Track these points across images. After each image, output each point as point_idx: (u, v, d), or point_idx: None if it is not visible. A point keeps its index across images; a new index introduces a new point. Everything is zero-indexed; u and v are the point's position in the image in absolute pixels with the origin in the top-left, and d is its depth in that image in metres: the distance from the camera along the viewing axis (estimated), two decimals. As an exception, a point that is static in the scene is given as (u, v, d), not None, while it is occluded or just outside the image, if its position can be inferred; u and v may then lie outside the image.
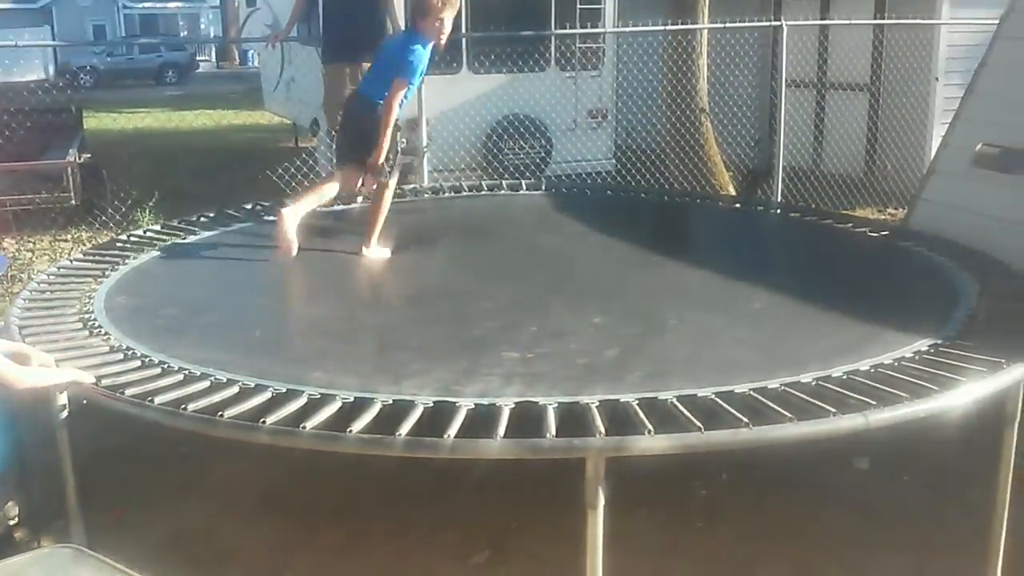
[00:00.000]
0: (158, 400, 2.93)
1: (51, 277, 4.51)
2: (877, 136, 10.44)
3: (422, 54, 4.77)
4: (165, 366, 3.23)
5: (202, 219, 5.71)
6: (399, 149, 8.51)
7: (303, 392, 2.94)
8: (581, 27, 9.17)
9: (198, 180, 10.51)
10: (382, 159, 4.95)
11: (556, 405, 2.78)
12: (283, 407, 2.84)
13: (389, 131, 4.85)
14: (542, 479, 3.26)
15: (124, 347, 3.46)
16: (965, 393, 2.94)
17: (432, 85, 7.98)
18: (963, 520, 3.76)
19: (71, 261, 4.90)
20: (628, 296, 4.22)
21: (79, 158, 8.98)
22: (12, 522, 2.98)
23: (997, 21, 6.77)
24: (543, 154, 9.91)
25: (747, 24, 8.73)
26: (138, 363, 3.29)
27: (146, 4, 45.04)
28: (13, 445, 2.93)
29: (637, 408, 2.75)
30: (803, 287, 4.15)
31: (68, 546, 2.03)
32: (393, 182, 5.13)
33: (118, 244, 5.19)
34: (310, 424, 2.72)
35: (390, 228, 5.94)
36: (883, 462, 4.26)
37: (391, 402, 2.85)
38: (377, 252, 4.96)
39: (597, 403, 2.79)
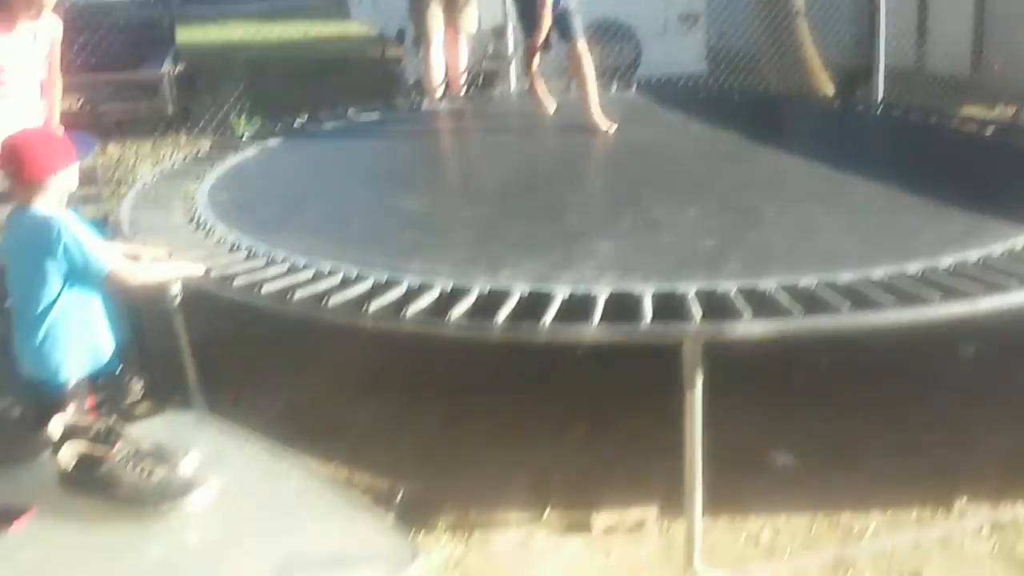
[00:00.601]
0: (266, 289, 3.03)
1: (155, 177, 4.66)
2: (984, 31, 9.91)
3: None
4: (270, 257, 3.33)
5: (294, 123, 5.80)
6: (487, 55, 8.52)
7: (403, 280, 3.00)
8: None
9: (287, 89, 10.58)
10: (541, 39, 5.31)
11: (652, 293, 2.78)
12: (384, 295, 2.91)
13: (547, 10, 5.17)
14: (642, 364, 3.26)
15: (230, 240, 3.57)
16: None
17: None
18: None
19: (172, 164, 5.04)
20: (724, 189, 4.16)
21: (174, 69, 9.15)
22: (138, 397, 3.16)
23: None
24: (633, 58, 9.69)
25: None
26: (244, 254, 3.40)
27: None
28: (133, 331, 3.08)
29: (735, 296, 2.74)
30: (906, 181, 4.01)
31: (191, 412, 2.13)
32: (583, 49, 5.37)
33: (214, 147, 5.31)
34: (411, 311, 2.79)
35: (479, 128, 5.98)
36: (991, 348, 4.13)
37: (488, 291, 2.89)
38: (604, 122, 5.20)
39: (694, 292, 2.78)
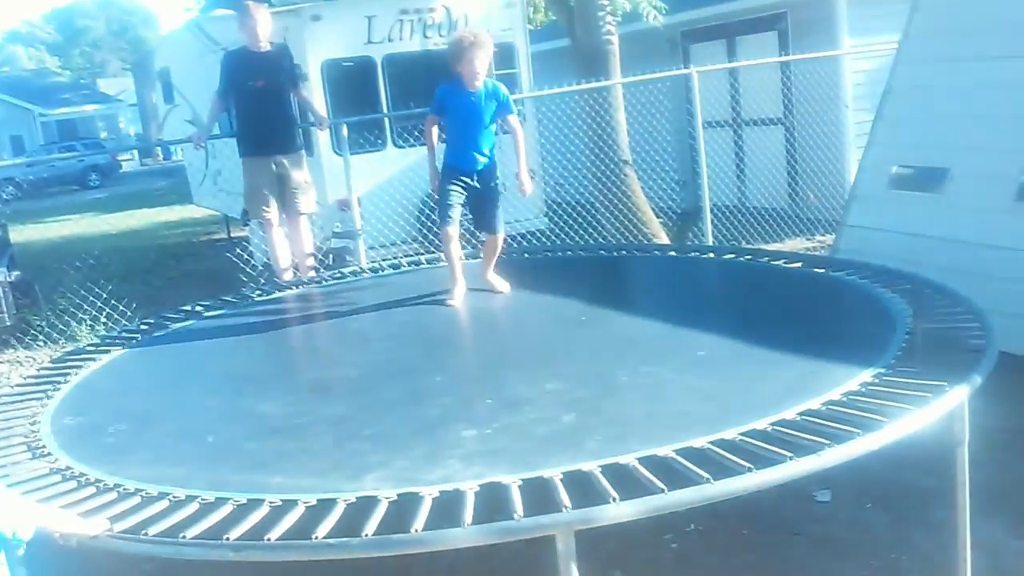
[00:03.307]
0: (117, 527, 2.87)
1: (-8, 406, 4.41)
2: (796, 167, 10.76)
3: (493, 91, 5.23)
4: (121, 489, 3.17)
5: (141, 326, 5.66)
6: (333, 232, 8.62)
7: (264, 500, 2.91)
8: (499, 93, 9.30)
9: (133, 282, 10.39)
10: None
11: (520, 483, 2.79)
12: (245, 519, 2.80)
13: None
14: (516, 553, 3.25)
15: (78, 471, 3.39)
16: (913, 421, 3.01)
17: (359, 164, 8.06)
18: (928, 540, 3.84)
19: (12, 387, 4.80)
20: (577, 356, 4.26)
21: (9, 276, 8.82)
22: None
23: (895, 47, 7.08)
24: (475, 218, 9.97)
25: (659, 75, 8.98)
26: (93, 489, 3.23)
27: (63, 110, 44.67)
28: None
29: (600, 476, 2.78)
30: (745, 328, 4.23)
31: None
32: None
33: (56, 363, 5.10)
34: (274, 534, 2.69)
35: (332, 311, 5.97)
36: (845, 492, 4.33)
37: (355, 499, 2.84)
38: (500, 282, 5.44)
39: (560, 475, 2.81)
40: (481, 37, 5.09)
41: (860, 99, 10.13)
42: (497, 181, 5.45)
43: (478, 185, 5.29)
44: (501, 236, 5.51)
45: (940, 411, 3.10)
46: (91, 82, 58.89)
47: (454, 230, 5.33)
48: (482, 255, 5.64)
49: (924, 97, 6.68)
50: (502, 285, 5.43)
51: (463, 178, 5.26)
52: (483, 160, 5.29)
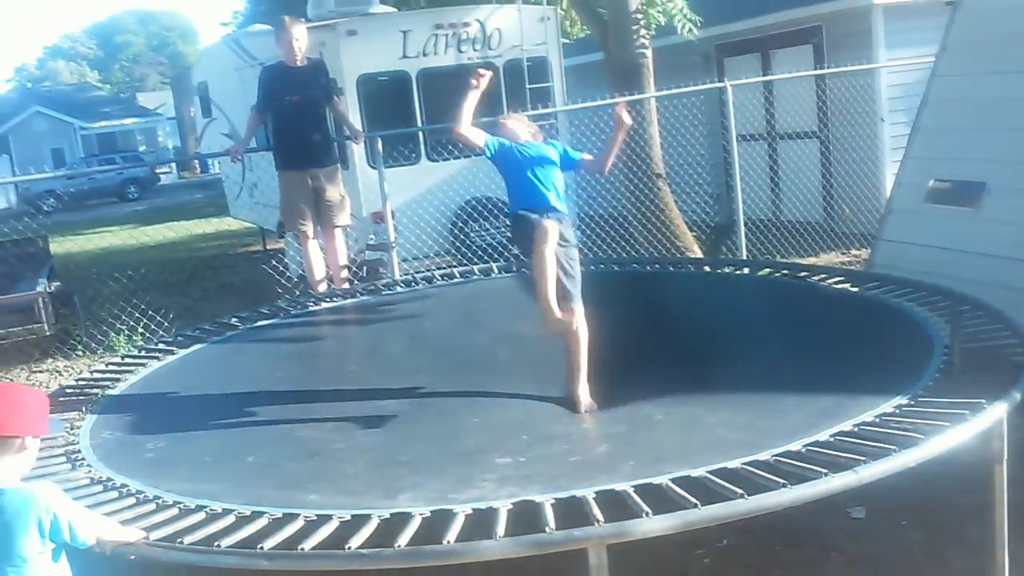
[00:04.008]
0: (155, 535, 2.92)
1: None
2: (831, 180, 10.68)
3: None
4: (159, 501, 3.22)
5: (179, 337, 5.74)
6: (368, 244, 8.68)
7: (299, 515, 2.94)
8: (532, 107, 9.36)
9: (170, 295, 10.52)
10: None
11: (553, 501, 2.80)
12: (280, 530, 2.84)
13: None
14: (544, 569, 3.25)
15: (118, 483, 3.45)
16: (951, 438, 2.99)
17: (393, 178, 8.12)
18: (965, 559, 3.79)
19: (50, 397, 4.87)
20: (610, 385, 4.18)
21: (49, 287, 8.96)
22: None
23: (932, 59, 7.02)
24: (509, 234, 10.00)
25: (693, 88, 8.96)
26: (132, 500, 3.28)
27: (103, 123, 45.38)
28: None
29: (633, 494, 2.78)
30: (781, 350, 4.21)
31: None
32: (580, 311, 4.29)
33: (95, 374, 5.18)
34: (308, 545, 2.72)
35: (367, 329, 5.99)
36: (880, 509, 4.28)
37: (388, 515, 2.86)
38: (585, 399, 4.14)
39: (593, 494, 2.82)
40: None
41: (896, 112, 10.05)
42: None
43: None
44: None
45: (978, 428, 3.07)
46: (131, 96, 59.76)
47: None
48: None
49: (961, 110, 6.62)
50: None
51: None
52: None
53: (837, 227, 10.02)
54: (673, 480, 2.86)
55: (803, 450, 3.00)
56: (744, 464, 2.93)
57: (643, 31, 9.29)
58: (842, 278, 5.66)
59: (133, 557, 2.85)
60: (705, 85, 9.60)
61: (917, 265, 5.99)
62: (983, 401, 3.18)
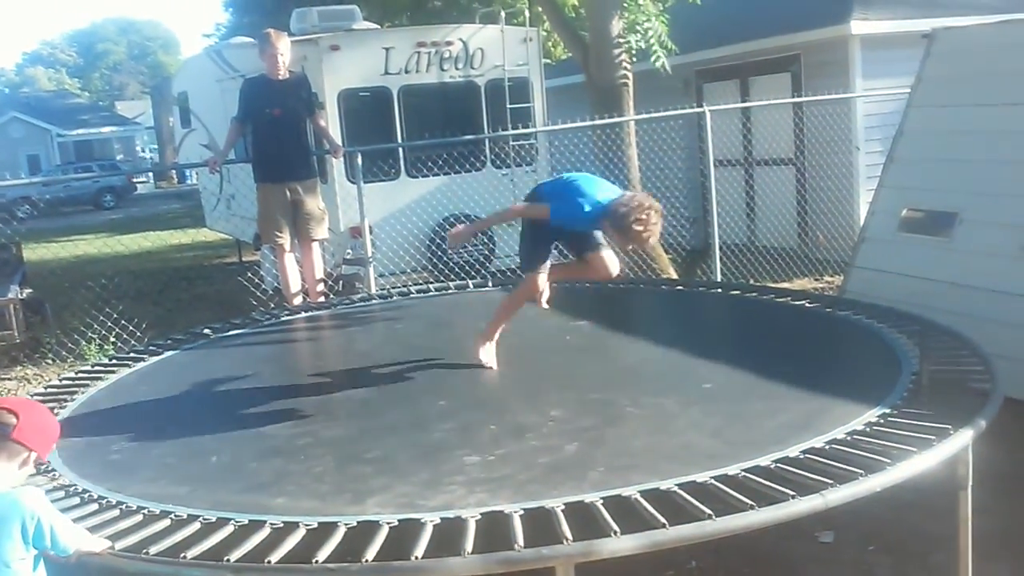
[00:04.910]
0: (118, 544, 2.88)
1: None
2: (807, 207, 10.79)
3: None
4: (123, 506, 3.19)
5: (150, 347, 5.70)
6: (344, 259, 8.67)
7: (266, 522, 2.92)
8: (512, 127, 9.42)
9: (144, 303, 10.44)
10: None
11: (521, 512, 2.80)
12: (247, 540, 2.81)
13: None
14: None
15: (81, 488, 3.41)
16: (917, 463, 3.01)
17: (372, 193, 8.12)
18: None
19: (18, 403, 4.82)
20: (582, 386, 4.27)
21: (21, 294, 8.88)
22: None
23: (908, 90, 7.13)
24: (486, 251, 10.04)
25: (672, 113, 9.04)
26: (95, 506, 3.24)
27: (80, 131, 45.10)
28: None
29: (601, 508, 2.78)
30: (752, 364, 4.24)
31: None
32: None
33: (64, 380, 5.13)
34: (275, 557, 2.70)
35: (339, 337, 5.98)
36: (848, 533, 4.31)
37: (355, 524, 2.85)
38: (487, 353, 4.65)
39: (562, 506, 2.82)
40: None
41: (871, 141, 10.18)
42: None
43: None
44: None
45: (944, 454, 3.10)
46: (109, 104, 59.56)
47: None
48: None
49: (935, 141, 6.72)
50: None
51: None
52: None
53: (811, 253, 10.11)
54: (642, 493, 2.86)
55: (772, 466, 3.02)
56: (712, 479, 2.94)
57: (624, 56, 9.38)
58: (813, 302, 5.72)
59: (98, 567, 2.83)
60: (684, 110, 9.70)
61: (889, 292, 6.06)
62: (949, 427, 3.21)
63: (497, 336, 4.69)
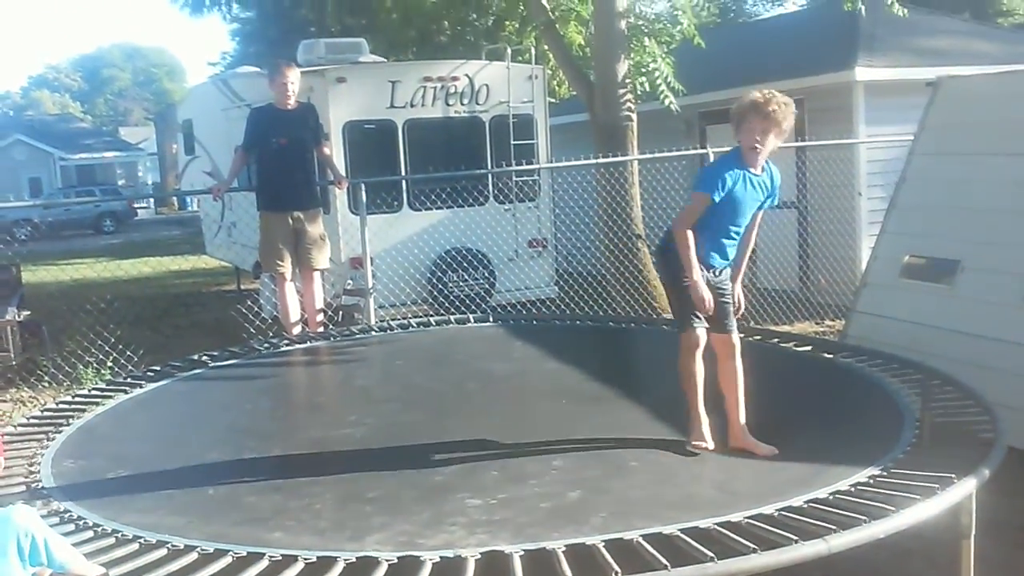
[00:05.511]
0: (114, 573, 2.85)
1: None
2: (808, 251, 10.80)
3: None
4: (119, 535, 3.15)
5: (148, 372, 5.67)
6: (345, 289, 8.65)
7: (263, 555, 2.89)
8: (516, 163, 9.47)
9: (142, 329, 10.40)
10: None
11: (522, 553, 2.77)
12: (245, 571, 2.78)
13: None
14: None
15: (76, 515, 3.37)
16: (921, 511, 3.00)
17: (374, 224, 8.13)
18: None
19: (14, 427, 4.79)
20: (584, 434, 4.18)
21: (18, 316, 8.86)
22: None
23: (911, 137, 7.18)
24: (487, 285, 10.05)
25: (675, 153, 9.08)
26: (90, 533, 3.21)
27: (83, 155, 45.24)
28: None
29: (603, 550, 2.76)
30: (755, 415, 4.15)
31: None
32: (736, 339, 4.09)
33: (60, 405, 5.09)
34: (273, 589, 2.67)
35: (339, 369, 5.95)
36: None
37: (354, 560, 2.82)
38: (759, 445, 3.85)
39: (563, 548, 2.79)
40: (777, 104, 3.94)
41: (873, 187, 10.22)
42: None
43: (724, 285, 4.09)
44: (736, 340, 4.07)
45: (947, 502, 3.08)
46: (113, 130, 59.80)
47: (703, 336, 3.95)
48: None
49: (938, 189, 6.75)
50: (763, 450, 3.82)
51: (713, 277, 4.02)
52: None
53: (812, 297, 10.11)
54: (644, 536, 2.84)
55: (775, 514, 2.99)
56: (715, 524, 2.91)
57: (629, 95, 9.44)
58: (817, 347, 5.71)
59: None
60: (687, 151, 9.74)
61: (890, 338, 6.05)
62: (953, 476, 3.19)
63: (703, 413, 3.93)
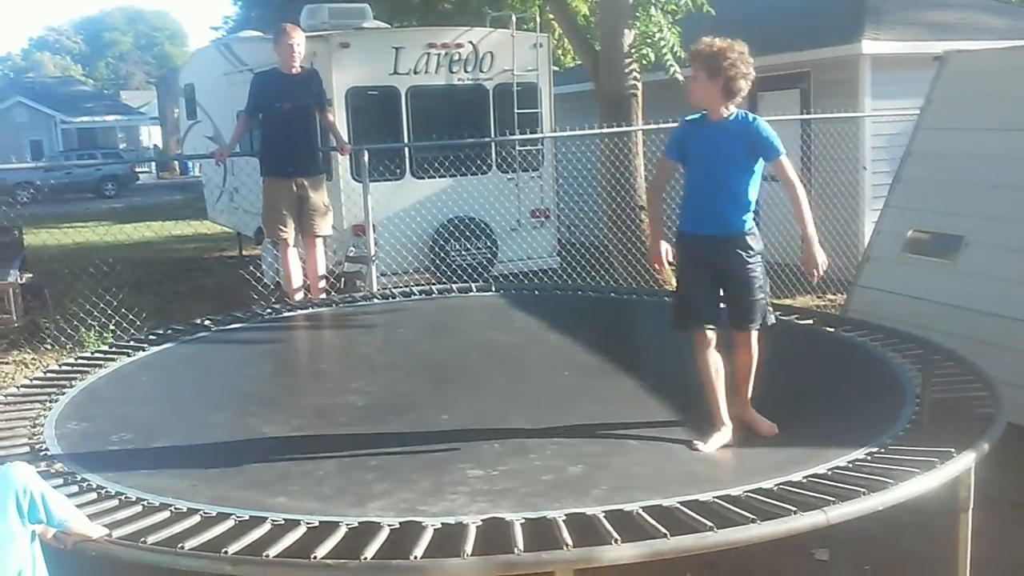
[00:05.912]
0: (117, 533, 2.87)
1: (-3, 405, 4.42)
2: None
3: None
4: (122, 497, 3.17)
5: (150, 336, 5.68)
6: (347, 256, 8.65)
7: (266, 519, 2.91)
8: (520, 132, 9.41)
9: (144, 293, 10.41)
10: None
11: (523, 521, 2.79)
12: (247, 534, 2.80)
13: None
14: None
15: (79, 477, 3.39)
16: (919, 483, 3.02)
17: (377, 192, 8.11)
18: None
19: (17, 388, 4.81)
20: (586, 406, 4.22)
21: (21, 278, 8.86)
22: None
23: (916, 111, 7.14)
24: (489, 254, 10.04)
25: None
26: (94, 495, 3.23)
27: (84, 118, 45.04)
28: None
29: (603, 519, 2.78)
30: (758, 391, 4.12)
31: None
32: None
33: (63, 367, 5.11)
34: (274, 551, 2.69)
35: (341, 335, 5.96)
36: (844, 552, 4.29)
37: (356, 524, 2.84)
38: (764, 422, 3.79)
39: (563, 517, 2.81)
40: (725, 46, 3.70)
41: (878, 161, 10.19)
42: (754, 258, 3.94)
43: (723, 261, 3.85)
44: (754, 337, 3.84)
45: (946, 475, 3.10)
46: (114, 93, 59.46)
47: (707, 334, 3.74)
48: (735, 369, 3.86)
49: (943, 164, 6.72)
50: (764, 426, 3.77)
51: (702, 251, 3.84)
52: (729, 224, 3.87)
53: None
54: (644, 508, 2.86)
55: (775, 488, 3.01)
56: (715, 498, 2.93)
57: (635, 65, 9.37)
58: (818, 321, 5.71)
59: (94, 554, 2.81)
60: (692, 122, 9.67)
61: (892, 313, 6.05)
62: (952, 450, 3.21)
63: (724, 414, 3.73)
